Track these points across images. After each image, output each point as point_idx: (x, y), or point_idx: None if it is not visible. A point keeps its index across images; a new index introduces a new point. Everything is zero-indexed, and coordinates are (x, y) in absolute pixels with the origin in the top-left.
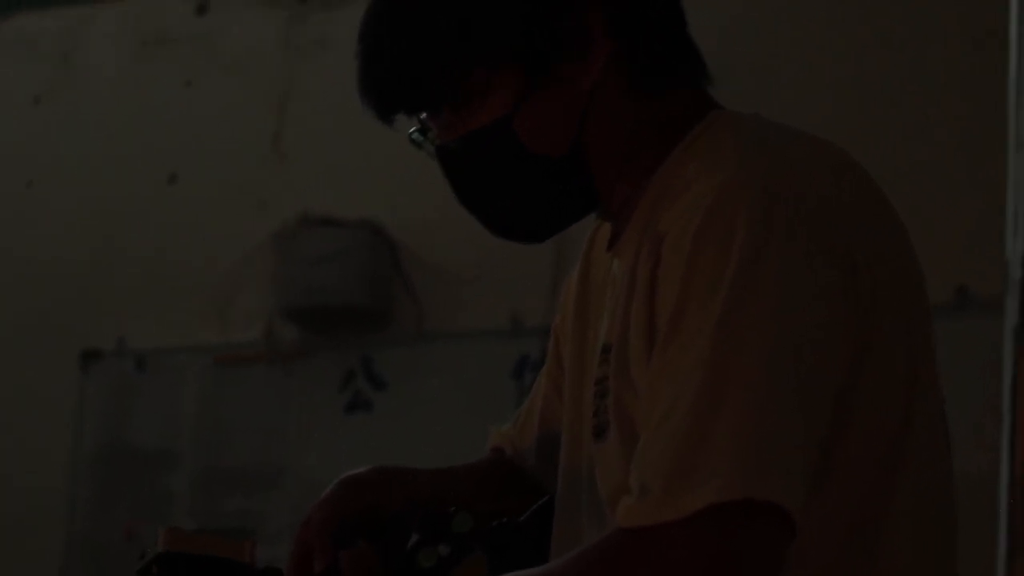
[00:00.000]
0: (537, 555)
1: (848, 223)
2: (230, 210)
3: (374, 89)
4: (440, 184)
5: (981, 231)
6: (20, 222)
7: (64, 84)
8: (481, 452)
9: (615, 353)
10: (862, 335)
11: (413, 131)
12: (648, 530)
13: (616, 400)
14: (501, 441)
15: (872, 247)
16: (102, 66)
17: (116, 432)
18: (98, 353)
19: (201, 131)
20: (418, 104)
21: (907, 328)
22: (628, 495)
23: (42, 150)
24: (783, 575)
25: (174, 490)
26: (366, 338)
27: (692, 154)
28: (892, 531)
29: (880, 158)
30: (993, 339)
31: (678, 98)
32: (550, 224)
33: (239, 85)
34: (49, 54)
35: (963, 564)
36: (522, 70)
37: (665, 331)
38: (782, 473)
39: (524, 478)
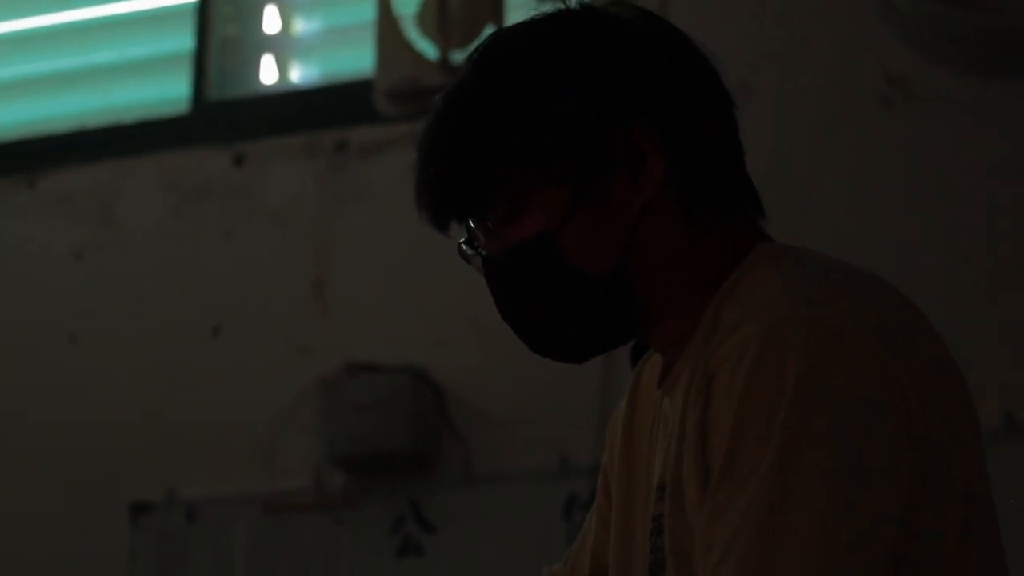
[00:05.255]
0: None
1: (895, 353)
2: (274, 359)
3: (426, 192)
4: (482, 327)
5: None
6: (64, 377)
7: (104, 239)
8: None
9: (669, 492)
10: (920, 463)
11: (462, 241)
12: None
13: (672, 538)
14: None
15: (920, 373)
16: (142, 220)
17: None
18: (148, 506)
19: (243, 282)
20: (465, 210)
21: (964, 450)
22: None
23: (84, 306)
24: None
25: None
26: (414, 483)
27: (740, 292)
28: None
29: (922, 287)
30: None
31: (729, 229)
32: (589, 345)
33: (279, 235)
34: (88, 209)
35: None
36: (570, 185)
37: (719, 472)
38: None
39: None
